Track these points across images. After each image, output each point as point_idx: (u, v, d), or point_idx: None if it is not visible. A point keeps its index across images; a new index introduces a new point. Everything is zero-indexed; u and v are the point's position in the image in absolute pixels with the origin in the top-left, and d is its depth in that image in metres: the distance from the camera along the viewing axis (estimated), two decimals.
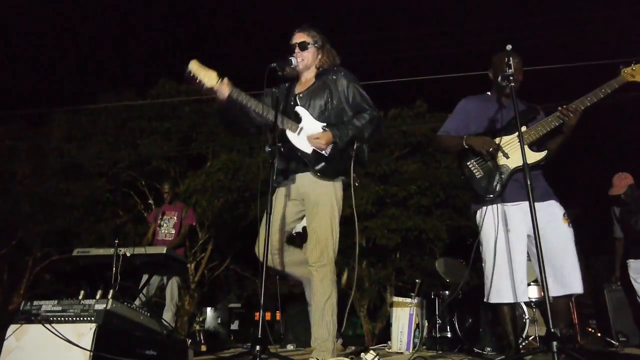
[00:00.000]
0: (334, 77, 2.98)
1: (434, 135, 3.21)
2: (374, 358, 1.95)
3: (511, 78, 2.45)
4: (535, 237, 2.22)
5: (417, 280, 5.35)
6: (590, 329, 6.58)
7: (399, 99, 17.17)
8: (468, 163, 3.02)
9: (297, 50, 2.99)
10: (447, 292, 4.92)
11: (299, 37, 3.01)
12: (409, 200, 14.96)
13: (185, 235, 5.36)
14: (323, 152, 2.84)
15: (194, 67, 2.73)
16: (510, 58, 2.47)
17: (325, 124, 2.87)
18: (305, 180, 2.91)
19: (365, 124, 2.89)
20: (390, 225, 14.70)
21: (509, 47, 2.50)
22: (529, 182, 2.31)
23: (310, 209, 2.90)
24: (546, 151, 2.85)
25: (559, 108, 2.76)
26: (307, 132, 2.84)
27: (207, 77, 2.76)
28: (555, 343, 1.87)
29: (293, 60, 2.92)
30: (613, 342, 4.43)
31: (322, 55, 3.07)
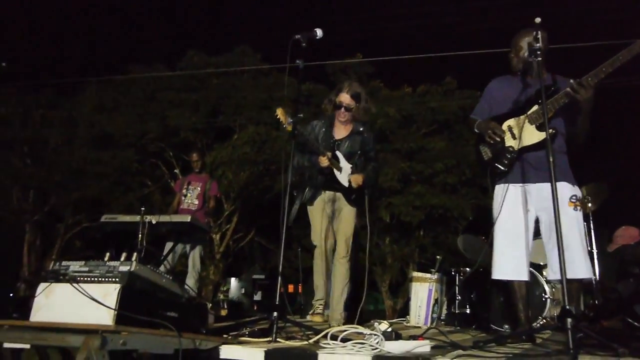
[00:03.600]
0: (366, 135, 3.90)
1: (467, 116, 3.20)
2: (387, 328, 2.00)
3: (538, 52, 2.40)
4: (556, 219, 2.20)
5: (437, 257, 5.35)
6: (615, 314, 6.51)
7: (428, 75, 16.90)
8: (480, 146, 3.02)
9: (342, 109, 3.77)
10: (467, 269, 4.90)
11: (346, 99, 3.77)
12: (434, 178, 14.84)
13: (214, 206, 5.51)
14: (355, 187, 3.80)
15: (280, 112, 3.39)
16: (539, 32, 2.41)
17: (352, 167, 3.83)
18: (338, 197, 3.85)
19: (375, 173, 3.98)
20: (415, 203, 14.64)
21: (537, 19, 2.43)
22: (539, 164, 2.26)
23: (340, 222, 3.84)
24: (552, 130, 2.68)
25: (570, 81, 2.63)
26: (347, 172, 3.81)
27: (287, 121, 3.35)
28: (569, 320, 1.87)
29: (318, 32, 2.94)
30: (635, 323, 4.37)
31: (360, 110, 3.85)
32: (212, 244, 16.48)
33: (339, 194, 3.85)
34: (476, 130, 3.05)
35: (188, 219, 4.03)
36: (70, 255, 16.87)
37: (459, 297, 4.73)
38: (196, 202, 5.35)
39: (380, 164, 3.96)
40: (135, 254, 1.85)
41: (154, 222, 3.89)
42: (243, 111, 15.67)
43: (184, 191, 5.36)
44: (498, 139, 2.86)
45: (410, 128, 15.89)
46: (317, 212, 3.83)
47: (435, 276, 4.60)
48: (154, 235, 4.07)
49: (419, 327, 4.26)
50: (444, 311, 4.83)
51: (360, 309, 3.98)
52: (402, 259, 16.41)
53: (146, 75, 15.45)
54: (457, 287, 4.75)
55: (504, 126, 2.93)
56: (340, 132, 3.90)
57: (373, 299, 22.43)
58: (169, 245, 4.67)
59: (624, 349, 1.74)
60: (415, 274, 4.75)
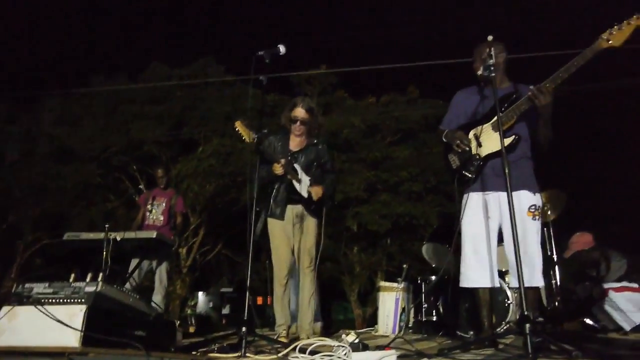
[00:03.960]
0: (320, 147, 4.07)
1: (430, 124, 3.31)
2: (355, 339, 2.03)
3: (492, 68, 2.52)
4: (513, 228, 2.29)
5: (404, 265, 5.44)
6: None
7: (391, 85, 17.18)
8: (449, 155, 3.12)
9: (298, 123, 3.91)
10: (433, 277, 5.00)
11: (301, 113, 3.92)
12: (400, 186, 15.03)
13: (181, 222, 5.46)
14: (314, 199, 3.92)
15: (238, 125, 3.60)
16: (492, 48, 2.53)
17: (310, 179, 3.95)
18: (299, 211, 3.92)
19: (333, 185, 4.15)
20: (382, 211, 14.78)
21: (490, 37, 2.55)
22: (506, 170, 2.36)
23: (302, 231, 3.93)
24: (514, 136, 2.84)
25: (530, 87, 2.72)
26: (306, 184, 3.93)
27: (246, 134, 3.60)
28: (527, 325, 1.96)
29: (281, 48, 3.01)
30: (592, 323, 4.55)
31: (314, 124, 4.02)
32: (178, 258, 16.21)
33: (298, 206, 3.94)
34: (444, 140, 3.14)
35: (154, 234, 4.00)
36: (30, 273, 16.30)
37: (426, 305, 4.82)
38: (161, 218, 5.28)
39: (336, 175, 4.18)
40: (101, 274, 1.84)
41: (118, 239, 3.84)
42: (208, 123, 15.54)
43: (149, 207, 5.28)
44: (466, 148, 2.96)
45: (375, 137, 16.07)
46: (281, 234, 3.90)
47: (402, 285, 4.69)
48: (119, 251, 4.01)
49: (387, 335, 4.33)
50: (412, 319, 4.91)
51: (330, 320, 4.05)
52: (370, 268, 16.52)
53: (107, 88, 15.17)
54: (423, 295, 4.84)
55: (470, 135, 3.04)
56: (296, 144, 4.03)
57: (342, 308, 22.47)
58: (134, 261, 4.61)
59: (578, 352, 1.82)
60: (383, 283, 4.83)
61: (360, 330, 4.91)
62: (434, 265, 5.19)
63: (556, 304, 4.92)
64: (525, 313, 2.03)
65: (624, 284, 4.28)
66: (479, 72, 2.80)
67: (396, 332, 4.45)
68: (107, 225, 3.78)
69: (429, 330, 4.65)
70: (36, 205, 14.76)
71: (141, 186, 15.12)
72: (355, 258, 16.56)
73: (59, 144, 14.92)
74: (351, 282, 16.61)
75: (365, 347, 2.01)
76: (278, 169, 3.73)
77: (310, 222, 3.96)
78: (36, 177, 14.50)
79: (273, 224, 3.91)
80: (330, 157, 4.21)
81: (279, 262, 3.89)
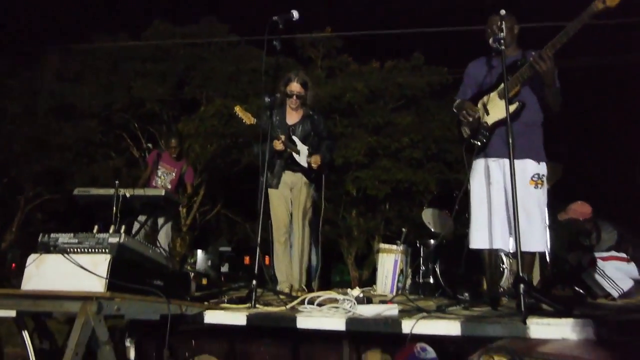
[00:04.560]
0: (316, 117, 4.23)
1: (434, 91, 3.38)
2: (360, 293, 2.17)
3: (501, 41, 2.57)
4: (513, 194, 2.40)
5: (403, 229, 5.57)
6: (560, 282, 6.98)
7: (396, 51, 16.99)
8: (461, 127, 3.20)
9: (294, 98, 4.06)
10: (432, 241, 5.13)
11: (296, 88, 4.07)
12: (401, 153, 15.07)
13: (190, 193, 5.57)
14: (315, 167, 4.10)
15: (238, 110, 3.84)
16: (503, 22, 2.58)
17: (308, 148, 4.13)
18: (297, 176, 4.12)
19: (330, 151, 4.28)
20: (381, 177, 14.88)
21: (502, 11, 2.59)
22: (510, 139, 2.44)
23: (299, 195, 4.11)
24: (517, 103, 2.88)
25: (532, 54, 2.77)
26: (304, 154, 4.11)
27: (246, 117, 3.83)
28: (522, 285, 2.08)
29: (295, 13, 3.06)
30: (581, 291, 4.71)
31: (309, 97, 4.16)
32: (178, 216, 16.41)
33: (298, 174, 4.13)
34: (455, 111, 3.24)
35: (163, 192, 4.09)
36: (32, 228, 16.50)
37: (423, 268, 4.98)
38: (169, 186, 5.35)
39: (334, 140, 4.41)
40: (123, 226, 1.95)
41: (128, 195, 3.93)
42: (210, 83, 15.46)
43: (158, 172, 5.36)
44: (470, 118, 3.03)
45: (377, 103, 16.02)
46: (279, 199, 4.10)
47: (401, 248, 4.82)
48: (126, 208, 4.11)
49: (385, 295, 4.48)
50: (409, 281, 5.07)
51: (329, 282, 4.22)
52: (367, 232, 16.73)
53: (109, 44, 15.00)
54: (421, 258, 4.99)
55: (479, 104, 3.10)
56: (293, 118, 4.21)
57: (339, 270, 22.88)
58: (141, 218, 4.72)
59: (562, 307, 1.96)
60: (382, 245, 4.95)
61: (365, 289, 5.06)
62: (432, 230, 5.32)
63: (549, 270, 5.09)
64: (521, 275, 2.16)
65: (612, 253, 4.43)
66: (490, 43, 2.84)
67: (394, 292, 4.61)
68: (117, 182, 3.87)
69: (426, 291, 4.81)
70: (37, 161, 14.81)
71: (150, 145, 15.06)
72: (354, 222, 16.75)
73: (60, 100, 14.86)
74: (349, 245, 16.85)
75: (369, 301, 2.14)
76: (278, 146, 3.91)
77: (304, 184, 4.16)
78: (37, 133, 14.49)
79: (271, 192, 4.13)
80: (326, 125, 4.39)
81: (277, 222, 4.09)
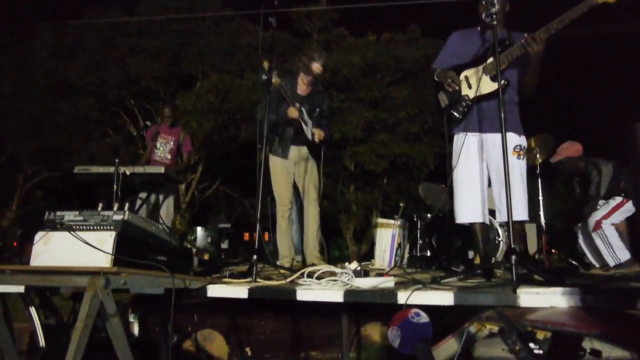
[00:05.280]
0: (323, 95, 4.38)
1: (430, 64, 3.38)
2: (357, 267, 2.24)
3: (494, 16, 2.60)
4: (505, 169, 2.45)
5: (401, 204, 5.65)
6: (555, 252, 7.11)
7: (392, 23, 16.84)
8: (439, 94, 3.23)
9: (312, 77, 4.13)
10: (428, 215, 5.21)
11: (318, 69, 4.12)
12: (398, 127, 15.06)
13: (188, 162, 5.56)
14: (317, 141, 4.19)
15: (266, 65, 3.67)
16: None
17: (312, 122, 4.19)
18: (303, 151, 4.19)
19: (328, 129, 4.33)
20: (379, 151, 14.90)
21: None
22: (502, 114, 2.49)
23: (307, 169, 4.19)
24: (504, 80, 2.90)
25: (525, 35, 2.83)
26: (309, 126, 4.17)
27: (274, 76, 3.73)
28: (514, 257, 2.15)
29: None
30: (575, 263, 4.81)
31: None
32: (177, 193, 16.45)
33: (303, 148, 4.18)
34: (436, 78, 3.25)
35: (162, 170, 4.15)
36: (31, 207, 16.54)
37: (420, 241, 5.06)
38: (169, 156, 5.35)
39: (328, 119, 4.48)
40: (127, 204, 2.00)
41: (128, 173, 3.99)
42: (206, 58, 15.33)
43: (157, 143, 5.37)
44: (456, 87, 3.07)
45: (374, 76, 15.94)
46: (282, 173, 4.13)
47: (399, 222, 4.90)
48: (126, 185, 4.16)
49: (383, 269, 4.58)
50: (406, 255, 5.17)
51: (328, 256, 4.32)
52: (366, 207, 16.84)
53: (102, 20, 14.79)
54: (418, 232, 5.07)
55: (461, 76, 3.14)
56: (303, 90, 4.24)
57: (338, 245, 23.07)
58: (142, 195, 4.79)
59: (551, 277, 2.04)
60: (380, 220, 5.04)
61: (365, 263, 5.16)
62: (429, 204, 5.40)
63: (542, 239, 5.18)
64: (512, 246, 2.23)
65: (616, 200, 4.38)
66: (483, 17, 2.86)
67: (391, 265, 4.71)
68: (117, 160, 3.91)
69: (423, 264, 4.90)
70: (34, 139, 14.77)
71: (148, 123, 15.03)
72: (352, 197, 16.83)
73: (55, 77, 14.74)
74: (347, 220, 16.97)
75: (366, 274, 2.22)
76: (294, 113, 3.96)
77: (311, 161, 4.23)
78: (33, 110, 14.43)
79: (275, 161, 4.14)
80: (328, 104, 4.49)
81: (281, 196, 4.13)
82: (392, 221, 4.87)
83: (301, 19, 16.78)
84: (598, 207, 4.47)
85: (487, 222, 3.14)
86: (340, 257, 20.17)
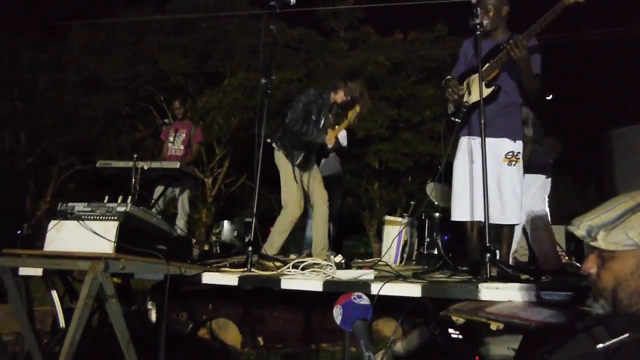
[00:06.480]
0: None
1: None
2: (341, 260, 2.40)
3: (478, 27, 2.71)
4: (483, 170, 2.59)
5: (411, 202, 5.76)
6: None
7: (419, 22, 16.79)
8: (448, 102, 3.35)
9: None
10: (437, 214, 5.31)
11: (340, 99, 4.25)
12: (422, 125, 15.08)
13: (197, 153, 5.74)
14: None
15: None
16: (478, 10, 2.72)
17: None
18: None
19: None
20: (403, 149, 14.96)
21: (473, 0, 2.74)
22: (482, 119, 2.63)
23: (316, 174, 4.32)
24: (494, 87, 3.03)
25: (509, 41, 2.89)
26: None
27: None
28: (488, 255, 2.28)
29: None
30: (576, 263, 4.85)
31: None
32: (204, 187, 16.85)
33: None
34: (443, 87, 3.38)
35: (177, 165, 4.38)
36: (65, 198, 17.14)
37: (428, 240, 5.17)
38: (181, 147, 5.56)
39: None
40: (130, 197, 2.21)
41: (145, 167, 4.22)
42: (233, 56, 15.64)
43: (171, 138, 5.61)
44: (455, 96, 3.19)
45: (399, 75, 15.96)
46: (298, 188, 4.19)
47: (406, 220, 5.02)
48: (146, 179, 4.41)
49: (389, 265, 4.71)
50: (415, 252, 5.28)
51: (351, 252, 4.45)
52: (389, 204, 16.90)
53: (133, 19, 15.23)
54: (426, 231, 5.18)
55: (465, 83, 3.25)
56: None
57: (363, 242, 23.16)
58: (159, 188, 5.04)
59: (514, 274, 2.16)
60: (388, 217, 5.15)
61: (367, 260, 5.30)
62: (436, 203, 5.49)
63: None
64: (487, 245, 2.35)
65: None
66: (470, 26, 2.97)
67: (397, 262, 4.82)
68: (135, 155, 4.15)
69: (430, 262, 5.01)
70: (67, 133, 15.31)
71: (167, 120, 15.44)
72: (376, 194, 16.92)
73: (87, 74, 15.26)
74: (371, 218, 17.06)
75: (348, 267, 2.37)
76: (331, 141, 4.30)
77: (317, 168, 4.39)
78: (67, 106, 14.95)
79: (291, 170, 4.19)
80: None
81: (293, 201, 4.18)
82: (399, 219, 4.99)
83: (328, 17, 16.94)
84: None
85: (479, 220, 3.23)
86: (365, 254, 20.26)
